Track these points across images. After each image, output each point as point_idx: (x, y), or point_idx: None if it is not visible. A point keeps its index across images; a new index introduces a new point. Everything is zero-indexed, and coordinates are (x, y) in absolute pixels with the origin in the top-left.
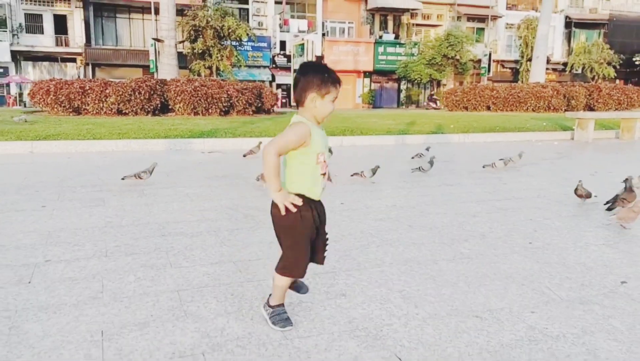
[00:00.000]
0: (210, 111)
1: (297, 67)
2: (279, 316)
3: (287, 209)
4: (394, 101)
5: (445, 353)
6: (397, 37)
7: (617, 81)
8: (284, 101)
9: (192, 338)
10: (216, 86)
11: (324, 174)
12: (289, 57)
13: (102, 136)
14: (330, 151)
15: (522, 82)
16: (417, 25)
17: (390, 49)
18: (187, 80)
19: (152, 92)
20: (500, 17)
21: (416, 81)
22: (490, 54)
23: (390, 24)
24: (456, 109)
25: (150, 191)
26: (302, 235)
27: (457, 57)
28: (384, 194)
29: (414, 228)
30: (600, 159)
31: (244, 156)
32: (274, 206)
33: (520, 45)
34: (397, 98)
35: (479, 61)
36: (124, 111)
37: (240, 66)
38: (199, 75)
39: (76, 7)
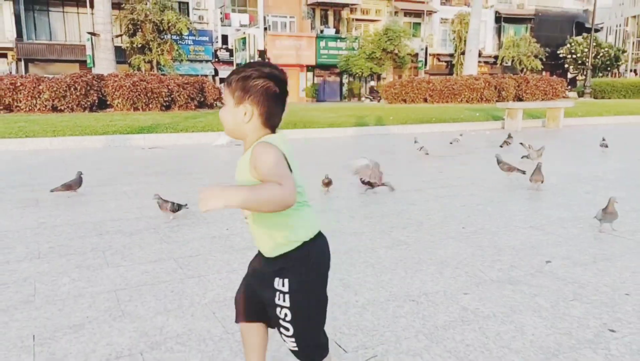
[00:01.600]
0: (150, 106)
1: (239, 61)
2: None
3: None
4: (336, 94)
5: (383, 337)
6: (337, 31)
7: (544, 73)
8: None
9: (130, 338)
10: (156, 80)
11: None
12: (231, 52)
13: (35, 134)
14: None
15: (456, 75)
16: (357, 20)
17: (331, 44)
18: (126, 75)
19: (88, 88)
20: (435, 12)
21: (357, 75)
22: (426, 48)
23: (331, 18)
24: (395, 102)
25: (86, 190)
26: None
27: (396, 51)
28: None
29: (355, 218)
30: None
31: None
32: None
33: (454, 39)
34: (340, 91)
35: (417, 54)
36: (59, 108)
37: (182, 60)
38: (138, 70)
39: (5, 0)
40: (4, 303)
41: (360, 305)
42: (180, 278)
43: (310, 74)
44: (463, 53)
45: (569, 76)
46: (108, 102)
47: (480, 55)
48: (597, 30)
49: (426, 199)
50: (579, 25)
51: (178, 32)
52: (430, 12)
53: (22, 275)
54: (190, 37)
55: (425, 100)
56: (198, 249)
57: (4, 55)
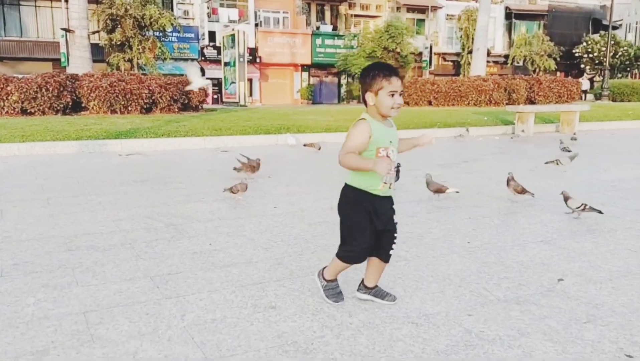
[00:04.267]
0: (129, 108)
1: (227, 59)
2: (333, 290)
3: (346, 201)
4: (334, 96)
5: None
6: (335, 28)
7: (558, 73)
8: (215, 97)
9: None
10: (136, 80)
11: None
12: (219, 49)
13: (1, 139)
14: None
15: (463, 75)
16: (356, 16)
17: (328, 41)
18: (102, 74)
19: (61, 89)
20: (440, 8)
21: (357, 75)
22: (431, 47)
23: (328, 14)
24: None
25: (56, 200)
26: (357, 225)
27: (398, 49)
28: (320, 195)
29: None
30: (540, 153)
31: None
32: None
33: (462, 37)
34: (338, 93)
35: (420, 54)
36: (29, 111)
37: (165, 58)
38: (117, 69)
39: None
40: None
41: (354, 327)
42: (156, 299)
43: (305, 74)
44: (470, 52)
45: (586, 76)
46: (83, 105)
47: (489, 54)
48: (615, 28)
49: (428, 211)
50: (596, 22)
51: (161, 28)
52: (435, 8)
53: None
54: (175, 34)
55: (430, 103)
56: (177, 266)
57: None
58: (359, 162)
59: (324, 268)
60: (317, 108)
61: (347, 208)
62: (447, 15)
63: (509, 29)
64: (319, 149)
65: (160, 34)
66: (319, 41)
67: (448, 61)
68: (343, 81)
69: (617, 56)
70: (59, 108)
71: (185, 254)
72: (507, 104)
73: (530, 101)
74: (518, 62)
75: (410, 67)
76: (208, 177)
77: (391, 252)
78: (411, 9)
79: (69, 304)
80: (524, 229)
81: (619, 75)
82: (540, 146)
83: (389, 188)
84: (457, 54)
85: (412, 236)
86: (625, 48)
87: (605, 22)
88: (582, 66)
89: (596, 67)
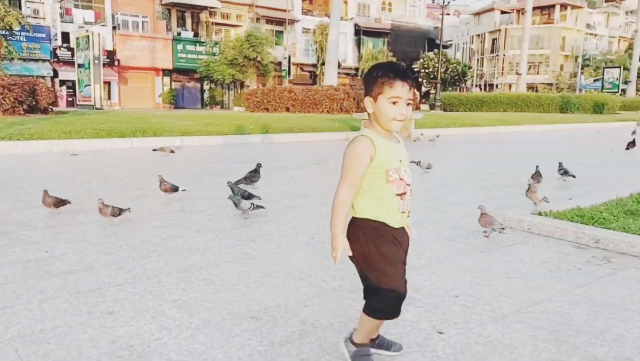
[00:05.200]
0: None
1: (81, 61)
2: (364, 358)
3: (365, 239)
4: (197, 101)
5: (215, 360)
6: (196, 35)
7: None
8: (69, 99)
9: None
10: None
11: (403, 193)
12: (73, 51)
13: None
14: None
15: (319, 85)
16: (217, 24)
17: (190, 47)
18: None
19: None
20: (297, 21)
21: (219, 81)
22: (289, 57)
23: (189, 21)
24: (257, 110)
25: None
26: (387, 264)
27: (259, 58)
28: (171, 198)
29: (201, 232)
30: None
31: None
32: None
33: (317, 49)
34: (201, 98)
35: (280, 63)
36: None
37: (12, 58)
38: None
39: None
40: None
41: (194, 326)
42: None
43: (167, 79)
44: (324, 64)
45: (423, 89)
46: None
47: (340, 66)
48: (446, 47)
49: (278, 210)
50: (431, 41)
51: (7, 27)
52: (292, 21)
53: None
54: (23, 33)
55: (288, 109)
56: (7, 276)
57: None
58: (336, 214)
59: (351, 332)
60: (178, 112)
61: (370, 247)
62: (304, 28)
63: (358, 44)
64: (172, 152)
65: (7, 33)
66: (180, 47)
67: (305, 71)
68: (206, 87)
69: (447, 72)
70: None
71: (16, 263)
72: (355, 111)
73: None
74: None
75: (271, 76)
76: (52, 182)
77: None
78: (270, 20)
79: None
80: None
81: (450, 88)
82: None
83: (407, 216)
84: (314, 65)
85: (260, 234)
86: (454, 65)
87: (438, 42)
88: (420, 79)
89: (431, 80)
